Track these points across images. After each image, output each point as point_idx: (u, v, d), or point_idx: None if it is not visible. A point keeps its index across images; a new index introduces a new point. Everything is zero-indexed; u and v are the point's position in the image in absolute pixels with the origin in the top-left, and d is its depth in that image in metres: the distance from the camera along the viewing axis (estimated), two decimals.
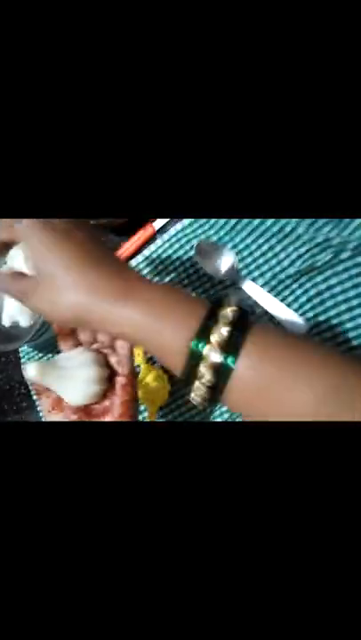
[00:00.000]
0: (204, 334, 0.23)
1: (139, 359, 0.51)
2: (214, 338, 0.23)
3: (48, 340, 0.56)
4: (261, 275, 0.44)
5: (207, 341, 0.23)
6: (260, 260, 0.44)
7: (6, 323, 0.59)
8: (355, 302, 0.40)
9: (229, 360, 0.23)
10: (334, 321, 0.41)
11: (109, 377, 0.33)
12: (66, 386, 0.32)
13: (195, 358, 0.23)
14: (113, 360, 0.33)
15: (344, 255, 0.40)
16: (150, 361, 0.51)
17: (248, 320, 0.24)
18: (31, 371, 0.31)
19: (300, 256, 0.42)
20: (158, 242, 0.51)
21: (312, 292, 0.41)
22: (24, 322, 0.59)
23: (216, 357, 0.23)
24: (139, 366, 0.50)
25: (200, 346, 0.23)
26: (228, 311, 0.24)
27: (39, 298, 0.27)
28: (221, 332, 0.23)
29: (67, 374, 0.31)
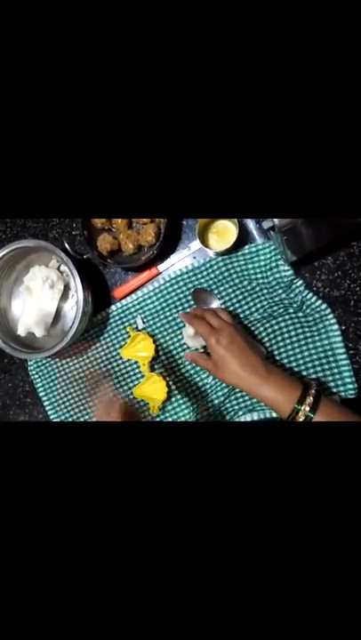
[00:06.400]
0: (301, 402, 0.49)
1: (144, 368, 0.68)
2: (306, 403, 0.49)
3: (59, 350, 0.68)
4: (236, 317, 0.66)
5: (302, 404, 0.49)
6: (237, 307, 0.66)
7: (22, 332, 0.71)
8: (295, 338, 0.65)
9: (311, 413, 0.49)
10: (283, 350, 0.65)
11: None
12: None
13: (296, 412, 0.49)
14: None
15: (291, 310, 0.64)
16: (151, 369, 0.69)
17: (320, 395, 0.50)
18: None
19: (262, 307, 0.65)
20: (161, 280, 0.69)
21: (270, 331, 0.65)
22: (38, 332, 0.71)
23: (306, 412, 0.49)
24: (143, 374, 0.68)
25: (299, 406, 0.49)
26: (312, 390, 0.50)
27: (221, 371, 0.53)
28: (309, 400, 0.49)
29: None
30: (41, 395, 0.76)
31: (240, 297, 0.66)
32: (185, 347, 0.68)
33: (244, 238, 0.66)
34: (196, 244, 0.68)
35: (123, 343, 0.71)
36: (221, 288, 0.67)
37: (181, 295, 0.68)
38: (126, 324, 0.71)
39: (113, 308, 0.72)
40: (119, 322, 0.72)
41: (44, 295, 0.71)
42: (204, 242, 0.65)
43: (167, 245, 0.69)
